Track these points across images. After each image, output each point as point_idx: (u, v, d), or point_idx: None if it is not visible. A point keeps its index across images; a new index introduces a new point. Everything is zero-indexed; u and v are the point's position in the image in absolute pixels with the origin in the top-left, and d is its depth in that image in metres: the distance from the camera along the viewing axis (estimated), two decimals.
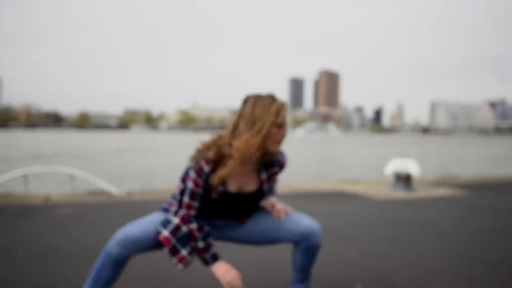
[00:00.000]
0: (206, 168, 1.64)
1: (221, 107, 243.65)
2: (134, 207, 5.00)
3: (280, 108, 1.65)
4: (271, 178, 1.81)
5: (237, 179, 1.73)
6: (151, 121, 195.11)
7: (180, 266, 1.72)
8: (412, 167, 6.89)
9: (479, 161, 27.65)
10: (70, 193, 6.02)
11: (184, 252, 1.73)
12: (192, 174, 1.67)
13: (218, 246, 2.63)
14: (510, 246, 3.46)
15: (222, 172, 1.64)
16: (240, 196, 1.76)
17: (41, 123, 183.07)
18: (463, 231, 3.96)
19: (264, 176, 1.78)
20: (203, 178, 1.66)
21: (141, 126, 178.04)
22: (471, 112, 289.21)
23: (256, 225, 1.88)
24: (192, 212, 1.73)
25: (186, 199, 1.72)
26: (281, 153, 1.83)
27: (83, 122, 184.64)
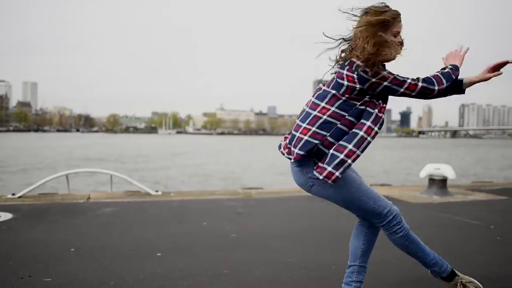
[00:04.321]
0: None
1: (247, 109, 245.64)
2: (172, 206, 5.13)
3: None
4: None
5: None
6: (177, 124, 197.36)
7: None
8: (447, 171, 6.74)
9: None
10: (109, 193, 6.20)
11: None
12: None
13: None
14: None
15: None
16: None
17: (73, 126, 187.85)
18: (509, 238, 3.87)
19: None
20: None
21: (169, 129, 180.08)
22: (505, 115, 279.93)
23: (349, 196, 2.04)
24: None
25: None
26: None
27: (113, 125, 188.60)
